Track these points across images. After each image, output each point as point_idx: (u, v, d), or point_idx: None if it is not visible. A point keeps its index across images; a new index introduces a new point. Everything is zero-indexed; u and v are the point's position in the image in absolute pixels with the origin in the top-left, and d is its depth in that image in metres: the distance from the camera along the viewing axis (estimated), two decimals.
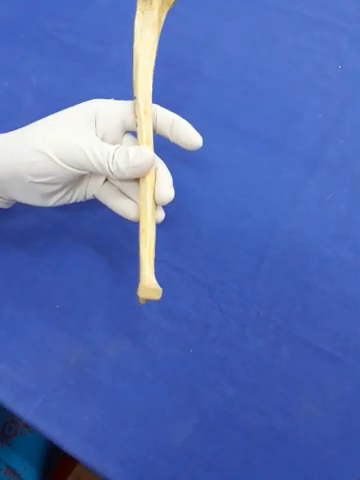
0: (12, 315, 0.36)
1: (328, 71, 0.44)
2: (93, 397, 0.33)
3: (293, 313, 0.34)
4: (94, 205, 0.39)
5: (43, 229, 0.38)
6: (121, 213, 0.32)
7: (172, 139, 0.31)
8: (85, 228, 0.38)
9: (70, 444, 0.32)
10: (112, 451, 0.32)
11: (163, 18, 0.32)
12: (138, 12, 0.31)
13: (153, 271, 0.29)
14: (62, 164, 0.29)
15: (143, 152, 0.29)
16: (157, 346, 0.34)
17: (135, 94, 0.31)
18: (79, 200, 0.33)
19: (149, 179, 0.30)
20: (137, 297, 0.29)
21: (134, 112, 0.31)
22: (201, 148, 0.40)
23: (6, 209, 0.35)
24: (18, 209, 0.39)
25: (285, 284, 0.35)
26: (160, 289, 0.29)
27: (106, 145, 0.30)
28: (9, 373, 0.34)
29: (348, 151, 0.40)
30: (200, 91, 0.43)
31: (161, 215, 0.31)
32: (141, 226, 0.30)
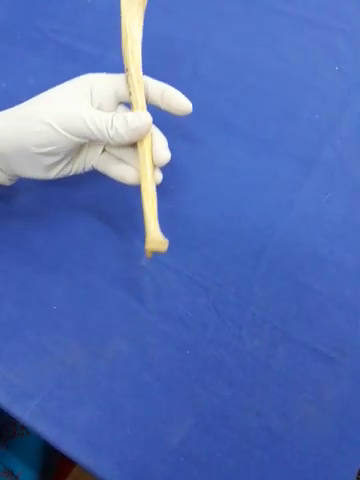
0: (9, 316, 0.36)
1: (325, 72, 0.44)
2: (90, 398, 0.33)
3: (289, 314, 0.34)
4: (91, 206, 0.39)
5: (40, 230, 0.38)
6: (121, 179, 0.34)
7: (163, 107, 0.33)
8: (82, 230, 0.38)
9: (67, 445, 0.32)
10: (109, 452, 0.32)
11: None
12: None
13: (158, 225, 0.31)
14: (64, 133, 0.30)
15: (141, 115, 0.31)
16: (154, 347, 0.34)
17: (127, 66, 0.32)
18: (79, 172, 0.35)
19: (146, 142, 0.32)
20: (145, 251, 0.31)
21: (127, 83, 0.32)
22: (198, 148, 0.41)
23: (8, 186, 0.36)
24: (15, 210, 0.40)
25: (281, 285, 0.35)
26: (166, 241, 0.31)
27: (104, 113, 0.31)
28: (6, 374, 0.34)
29: (345, 152, 0.40)
30: (197, 92, 0.43)
31: (159, 176, 0.33)
32: (143, 185, 0.32)
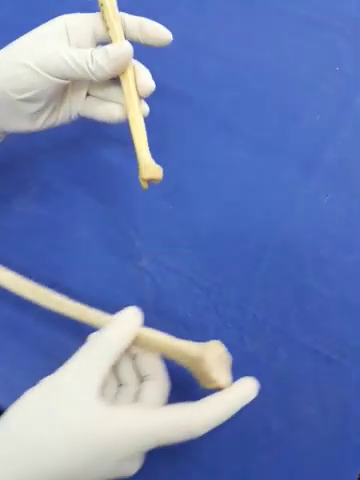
0: (9, 317, 0.35)
1: (326, 73, 0.44)
2: None
3: (290, 315, 0.34)
4: (92, 206, 0.39)
5: (40, 230, 0.38)
6: (108, 117, 0.33)
7: (142, 38, 0.32)
8: (82, 230, 0.38)
9: None
10: None
11: None
12: None
13: (149, 153, 0.31)
14: (44, 74, 0.30)
15: (121, 45, 0.30)
16: None
17: (101, 1, 0.32)
18: (65, 121, 0.34)
19: (130, 72, 0.32)
20: (140, 182, 0.31)
21: (103, 19, 0.32)
22: (198, 148, 0.40)
23: None
24: (13, 211, 0.39)
25: (282, 286, 0.35)
26: (160, 167, 0.31)
27: (83, 50, 0.30)
28: (6, 375, 0.34)
29: (346, 153, 0.40)
30: (199, 92, 0.43)
31: (146, 108, 0.33)
32: (130, 116, 0.32)
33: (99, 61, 0.30)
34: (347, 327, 0.34)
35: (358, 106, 0.42)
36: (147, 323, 0.35)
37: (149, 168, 0.31)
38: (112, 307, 0.36)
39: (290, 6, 0.48)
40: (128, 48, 0.31)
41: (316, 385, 0.33)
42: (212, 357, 0.28)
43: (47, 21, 0.32)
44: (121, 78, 0.32)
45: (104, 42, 0.32)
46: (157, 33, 0.32)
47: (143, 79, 0.32)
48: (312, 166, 0.39)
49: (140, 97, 0.32)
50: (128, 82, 0.32)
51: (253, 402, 0.32)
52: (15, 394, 0.33)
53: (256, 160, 0.40)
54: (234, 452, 0.31)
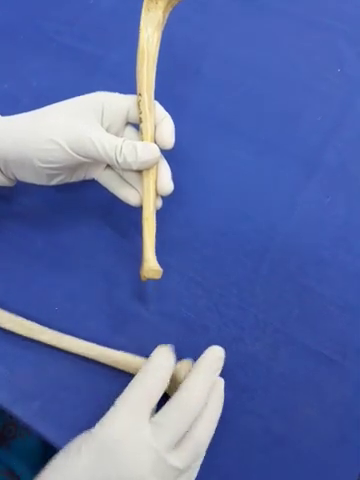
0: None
1: (328, 74, 0.44)
2: (92, 399, 0.33)
3: (291, 316, 0.34)
4: (93, 206, 0.39)
5: (41, 231, 0.38)
6: (123, 199, 0.34)
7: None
8: (83, 231, 0.38)
9: None
10: None
11: (166, 18, 0.33)
12: (144, 10, 0.32)
13: (155, 254, 0.33)
14: (72, 153, 0.31)
15: (151, 149, 0.32)
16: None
17: (140, 90, 0.32)
18: (79, 179, 0.35)
19: (152, 172, 0.33)
20: (140, 275, 0.33)
21: (138, 108, 0.32)
22: (200, 149, 0.40)
23: (10, 187, 0.36)
24: (16, 211, 0.40)
25: (283, 287, 0.35)
26: (161, 270, 0.32)
27: (114, 137, 0.31)
28: (8, 375, 0.34)
29: (347, 154, 0.40)
30: (200, 93, 0.44)
31: (160, 203, 0.34)
32: (145, 215, 0.33)
33: (127, 158, 0.31)
34: (348, 328, 0.34)
35: (359, 108, 0.42)
36: (149, 324, 0.35)
37: (151, 270, 0.32)
38: (114, 308, 0.36)
39: (291, 7, 0.48)
40: (156, 154, 0.32)
41: (317, 386, 0.33)
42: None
43: None
44: (143, 174, 0.33)
45: (135, 123, 0.34)
46: (162, 142, 0.32)
47: (164, 180, 0.33)
48: (313, 167, 0.40)
49: (157, 194, 0.33)
50: (149, 181, 0.32)
51: (254, 403, 0.33)
52: (17, 395, 0.33)
53: (257, 161, 0.40)
54: (234, 453, 0.32)
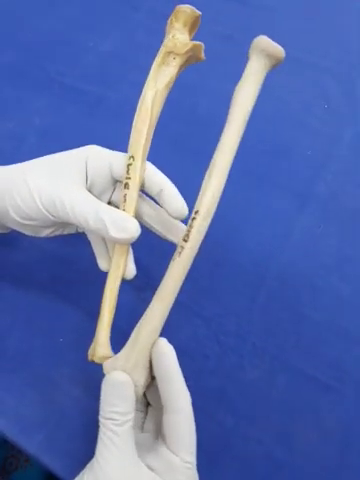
0: (17, 349, 0.36)
1: (316, 110, 0.46)
2: (97, 430, 0.34)
3: (288, 343, 0.36)
4: None
5: (47, 263, 0.40)
6: (96, 256, 0.34)
7: (159, 201, 0.31)
8: (88, 262, 0.39)
9: (73, 477, 0.33)
10: None
11: (177, 76, 0.31)
12: (156, 64, 0.30)
13: (108, 335, 0.30)
14: (46, 213, 0.30)
15: (125, 226, 0.29)
16: None
17: (133, 153, 0.30)
18: (71, 233, 0.35)
19: (124, 251, 0.31)
20: (88, 354, 0.30)
21: (127, 170, 0.30)
22: (195, 184, 0.42)
23: (6, 234, 0.36)
24: (21, 244, 0.41)
25: (280, 315, 0.37)
26: (109, 356, 0.29)
27: (90, 201, 0.29)
28: (14, 406, 0.34)
29: (337, 186, 0.42)
30: (194, 131, 0.45)
31: (132, 271, 0.33)
32: (106, 292, 0.31)
33: (101, 230, 0.29)
34: (344, 354, 0.35)
35: (346, 141, 0.44)
36: None
37: (99, 356, 0.29)
38: (117, 340, 0.36)
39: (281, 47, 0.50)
40: (133, 233, 0.29)
41: (315, 411, 0.34)
42: None
43: None
44: (115, 251, 0.31)
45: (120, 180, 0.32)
46: (172, 209, 0.30)
47: (130, 267, 0.32)
48: (305, 199, 0.41)
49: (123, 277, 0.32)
50: (120, 256, 0.31)
51: (254, 429, 0.33)
52: (22, 425, 0.34)
53: (251, 193, 0.42)
54: (236, 479, 0.32)
